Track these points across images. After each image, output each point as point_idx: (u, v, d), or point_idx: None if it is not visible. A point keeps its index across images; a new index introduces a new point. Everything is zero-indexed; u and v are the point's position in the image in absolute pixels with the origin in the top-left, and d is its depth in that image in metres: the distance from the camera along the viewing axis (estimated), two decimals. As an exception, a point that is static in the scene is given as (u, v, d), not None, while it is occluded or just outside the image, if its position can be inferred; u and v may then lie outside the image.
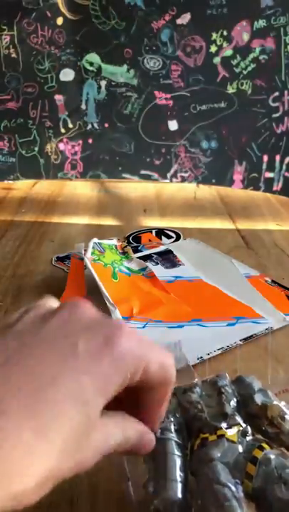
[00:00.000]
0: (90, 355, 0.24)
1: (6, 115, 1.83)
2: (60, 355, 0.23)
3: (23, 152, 1.88)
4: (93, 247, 0.65)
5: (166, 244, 0.78)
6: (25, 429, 0.21)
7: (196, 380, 0.37)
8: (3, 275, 0.71)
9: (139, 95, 1.82)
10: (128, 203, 1.02)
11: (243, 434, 0.32)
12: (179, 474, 0.30)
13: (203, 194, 1.08)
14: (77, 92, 1.82)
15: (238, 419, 0.32)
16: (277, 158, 1.91)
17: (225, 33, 1.74)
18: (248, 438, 0.32)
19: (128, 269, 0.66)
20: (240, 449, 0.31)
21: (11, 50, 1.74)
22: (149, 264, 0.68)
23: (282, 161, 1.92)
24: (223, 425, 0.32)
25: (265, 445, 0.31)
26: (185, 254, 0.72)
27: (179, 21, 1.73)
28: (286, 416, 0.33)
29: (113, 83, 1.81)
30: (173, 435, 0.32)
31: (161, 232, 0.84)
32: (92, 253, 0.64)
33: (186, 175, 1.94)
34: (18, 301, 0.63)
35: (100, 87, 1.82)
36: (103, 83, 1.81)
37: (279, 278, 0.67)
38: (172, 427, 0.32)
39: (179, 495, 0.28)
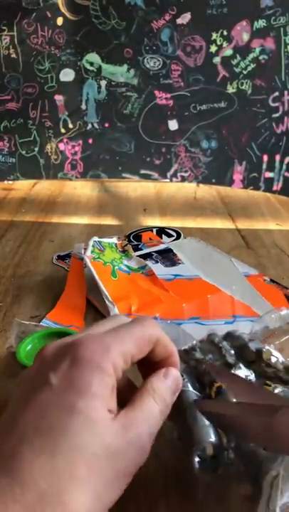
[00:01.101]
0: (62, 381, 0.26)
1: (6, 115, 1.83)
2: (38, 393, 0.26)
3: (23, 152, 1.89)
4: (93, 246, 0.65)
5: (166, 242, 0.78)
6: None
7: (194, 341, 0.40)
8: (3, 275, 0.71)
9: (139, 95, 1.82)
10: (128, 203, 1.02)
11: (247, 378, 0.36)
12: (206, 420, 0.32)
13: (203, 194, 1.08)
14: (77, 92, 1.83)
15: (242, 365, 0.36)
16: (277, 158, 1.91)
17: (225, 32, 1.74)
18: (252, 380, 0.36)
19: (128, 267, 0.66)
20: None
21: (11, 51, 1.74)
22: (149, 263, 0.68)
23: (282, 161, 1.92)
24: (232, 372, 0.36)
25: (268, 382, 0.35)
26: (185, 253, 0.73)
27: (179, 21, 1.73)
28: (278, 357, 0.37)
29: (113, 83, 1.81)
30: (190, 387, 0.35)
31: (161, 231, 0.84)
32: (92, 251, 0.64)
33: (186, 174, 1.94)
34: (18, 301, 0.63)
35: (100, 87, 1.82)
36: (103, 83, 1.81)
37: (279, 278, 0.67)
38: (187, 383, 0.35)
39: (213, 437, 0.31)
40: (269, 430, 0.28)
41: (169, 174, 1.94)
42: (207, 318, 0.56)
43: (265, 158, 1.91)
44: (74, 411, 0.24)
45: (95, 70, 1.79)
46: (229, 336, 0.40)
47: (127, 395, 0.29)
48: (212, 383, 0.34)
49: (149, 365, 0.31)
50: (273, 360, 0.37)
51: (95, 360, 0.26)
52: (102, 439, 0.24)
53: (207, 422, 0.32)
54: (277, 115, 1.85)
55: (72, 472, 0.23)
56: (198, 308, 0.58)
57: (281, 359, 0.37)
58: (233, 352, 0.38)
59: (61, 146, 1.90)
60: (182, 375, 0.34)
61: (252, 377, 0.36)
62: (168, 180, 1.94)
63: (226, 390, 0.33)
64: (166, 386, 0.30)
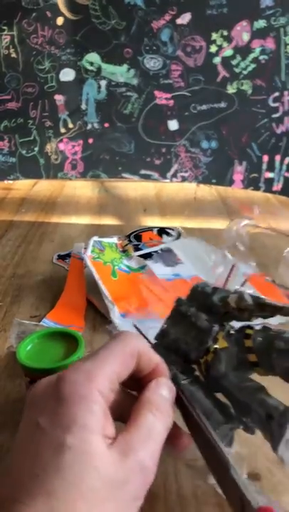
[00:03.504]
0: (49, 420, 0.25)
1: (6, 115, 1.82)
2: (30, 438, 0.25)
3: (23, 152, 1.88)
4: (93, 245, 0.65)
5: (166, 242, 0.78)
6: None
7: (163, 325, 0.38)
8: (3, 275, 0.71)
9: (139, 95, 1.82)
10: (128, 203, 1.02)
11: (228, 334, 0.34)
12: (209, 402, 0.31)
13: (204, 194, 1.08)
14: (77, 91, 1.82)
15: (216, 327, 0.34)
16: (278, 158, 1.91)
17: (225, 33, 1.74)
18: (233, 333, 0.34)
19: (127, 267, 0.66)
20: (235, 348, 0.33)
21: (11, 50, 1.74)
22: (149, 263, 0.68)
23: (282, 161, 1.92)
24: (210, 342, 0.34)
25: (248, 331, 0.33)
26: (185, 253, 0.72)
27: (179, 21, 1.73)
28: (245, 296, 0.34)
29: (113, 83, 1.81)
30: (182, 376, 0.33)
31: (162, 231, 0.84)
32: (92, 251, 0.64)
33: (186, 175, 1.94)
34: (18, 301, 0.63)
35: (100, 87, 1.82)
36: (103, 83, 1.81)
37: (278, 278, 0.67)
38: (176, 373, 0.33)
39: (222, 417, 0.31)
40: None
41: (169, 174, 1.94)
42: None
43: (266, 158, 1.91)
44: (64, 448, 0.24)
45: (95, 70, 1.79)
46: (193, 293, 0.38)
47: (129, 407, 0.29)
48: (198, 359, 0.33)
49: (138, 383, 0.30)
50: (243, 303, 0.34)
51: (78, 391, 0.26)
52: (99, 471, 0.24)
53: (212, 405, 0.31)
54: (277, 115, 1.85)
55: (72, 510, 0.22)
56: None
57: (248, 297, 0.34)
58: (204, 316, 0.35)
59: (61, 146, 1.89)
60: (170, 369, 0.33)
61: (231, 330, 0.34)
62: (168, 180, 1.94)
63: (213, 362, 0.32)
64: (161, 396, 0.29)
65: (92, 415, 0.25)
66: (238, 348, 0.33)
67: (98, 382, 0.26)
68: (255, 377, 0.33)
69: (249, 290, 0.36)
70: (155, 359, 0.30)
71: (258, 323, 0.34)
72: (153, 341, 0.38)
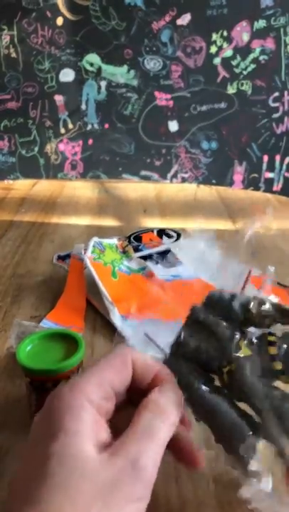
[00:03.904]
0: (39, 434, 0.26)
1: (6, 115, 1.82)
2: (27, 456, 0.26)
3: (23, 152, 1.88)
4: (93, 246, 0.65)
5: (166, 243, 0.78)
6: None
7: (179, 335, 0.36)
8: (3, 275, 0.71)
9: (139, 96, 1.82)
10: (128, 204, 1.02)
11: (250, 342, 0.33)
12: (235, 414, 0.31)
13: (204, 195, 1.08)
14: (77, 92, 1.82)
15: (238, 335, 0.33)
16: (278, 158, 1.91)
17: (225, 33, 1.74)
18: (255, 341, 0.33)
19: (128, 268, 0.66)
20: (258, 356, 0.32)
21: (11, 50, 1.74)
22: (149, 264, 0.68)
23: (282, 161, 1.92)
24: (233, 351, 0.32)
25: (271, 338, 0.32)
26: (185, 254, 0.72)
27: (179, 22, 1.73)
28: (266, 302, 0.34)
29: (113, 84, 1.81)
30: (203, 386, 0.32)
31: (162, 232, 0.84)
32: (93, 251, 0.64)
33: (186, 175, 1.94)
34: (18, 302, 0.63)
35: (100, 88, 1.82)
36: (103, 84, 1.81)
37: (280, 278, 0.67)
38: (199, 382, 0.32)
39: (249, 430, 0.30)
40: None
41: (169, 175, 1.94)
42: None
43: (265, 158, 1.91)
44: (49, 455, 0.24)
45: (95, 71, 1.79)
46: (210, 300, 0.37)
47: None
48: (220, 368, 0.32)
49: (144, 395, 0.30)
50: (264, 308, 0.33)
51: (66, 402, 0.26)
52: (85, 472, 0.23)
53: (237, 416, 0.31)
54: (277, 115, 1.85)
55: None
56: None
57: (268, 304, 0.34)
58: (224, 324, 0.34)
59: (61, 147, 1.89)
60: (189, 378, 0.32)
61: (253, 339, 0.33)
62: (168, 181, 1.94)
63: (237, 371, 0.32)
64: (162, 396, 0.29)
65: (81, 423, 0.25)
66: (262, 355, 0.32)
67: (86, 391, 0.27)
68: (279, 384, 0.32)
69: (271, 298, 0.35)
70: (155, 366, 0.30)
71: (278, 329, 0.33)
72: (167, 351, 0.37)
